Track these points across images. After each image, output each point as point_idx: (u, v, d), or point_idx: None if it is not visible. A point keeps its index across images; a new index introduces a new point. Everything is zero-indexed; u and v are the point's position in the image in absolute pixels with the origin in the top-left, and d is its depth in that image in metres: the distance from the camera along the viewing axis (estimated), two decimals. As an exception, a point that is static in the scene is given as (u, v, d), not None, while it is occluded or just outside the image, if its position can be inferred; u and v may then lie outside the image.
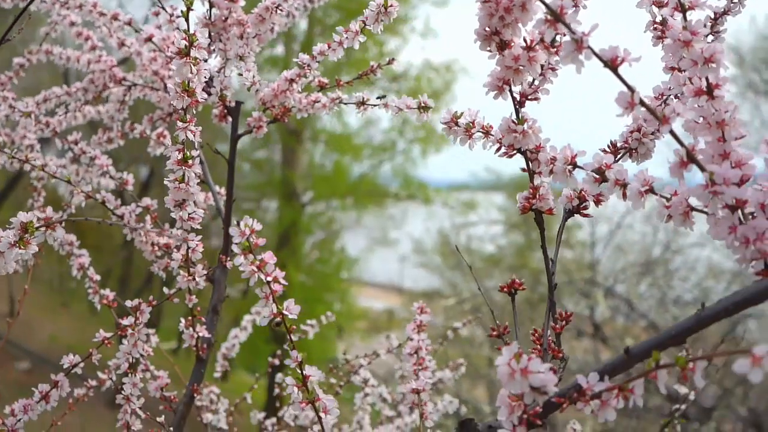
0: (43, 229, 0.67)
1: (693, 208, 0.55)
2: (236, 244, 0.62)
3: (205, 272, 0.92)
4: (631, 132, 0.69)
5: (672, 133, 0.52)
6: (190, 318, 0.97)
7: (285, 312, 0.64)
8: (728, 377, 6.30)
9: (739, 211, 0.54)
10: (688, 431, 5.79)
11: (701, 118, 0.55)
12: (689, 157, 0.52)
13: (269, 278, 0.63)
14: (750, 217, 0.53)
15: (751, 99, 9.16)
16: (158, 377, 1.02)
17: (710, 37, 0.74)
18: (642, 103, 0.51)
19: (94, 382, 1.14)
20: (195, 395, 1.00)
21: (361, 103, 0.96)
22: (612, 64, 0.51)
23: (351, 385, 1.42)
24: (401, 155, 11.83)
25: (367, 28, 0.87)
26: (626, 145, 0.69)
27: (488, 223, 9.25)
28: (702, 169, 0.52)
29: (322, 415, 0.65)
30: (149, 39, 1.04)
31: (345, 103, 0.97)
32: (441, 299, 7.89)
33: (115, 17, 1.11)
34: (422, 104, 0.85)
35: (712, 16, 0.75)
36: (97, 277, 1.11)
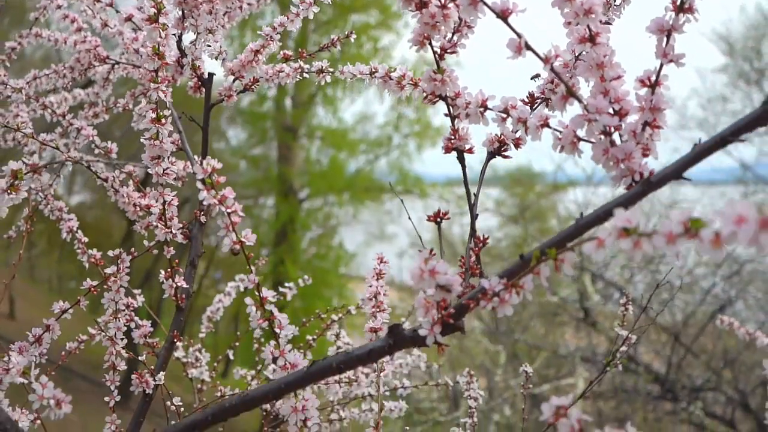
0: (30, 174, 0.76)
1: (580, 138, 0.65)
2: (199, 180, 0.71)
3: (180, 225, 1.01)
4: (547, 83, 0.79)
5: (553, 71, 0.62)
6: (169, 270, 1.07)
7: (243, 239, 0.74)
8: (715, 360, 6.42)
9: (618, 138, 0.64)
10: (677, 411, 5.91)
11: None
12: (569, 92, 0.62)
13: (229, 210, 0.73)
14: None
15: (742, 88, 9.25)
16: (142, 326, 1.12)
17: (618, 0, 0.84)
18: (528, 47, 0.61)
19: (84, 337, 1.23)
20: (175, 341, 1.10)
21: (321, 71, 1.06)
22: (503, 15, 0.61)
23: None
24: (397, 150, 11.93)
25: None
26: (542, 95, 0.79)
27: (480, 211, 9.36)
28: (579, 101, 0.61)
29: (277, 330, 0.75)
30: (129, 18, 1.14)
31: (307, 72, 1.07)
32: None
33: (97, -1, 1.20)
34: (374, 69, 0.95)
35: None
36: (85, 239, 1.20)
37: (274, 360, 0.75)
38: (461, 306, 0.64)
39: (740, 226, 0.40)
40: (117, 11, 1.20)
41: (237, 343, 1.59)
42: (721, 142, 0.56)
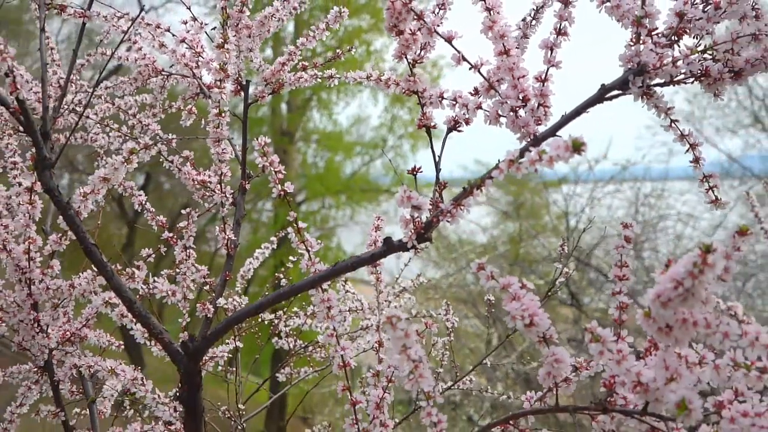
0: (143, 150, 1.15)
1: (500, 114, 1.03)
2: (256, 150, 1.10)
3: (232, 191, 1.40)
4: (482, 82, 1.17)
5: (480, 73, 1.00)
6: (222, 225, 1.45)
7: (286, 188, 1.12)
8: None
9: (523, 112, 1.02)
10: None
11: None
12: (489, 86, 1.00)
13: (276, 169, 1.11)
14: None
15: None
16: (200, 270, 1.50)
17: (533, 21, 1.22)
18: (464, 58, 0.99)
19: (166, 272, 1.61)
20: (227, 279, 1.48)
21: (331, 77, 1.44)
22: (449, 39, 0.99)
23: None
24: (392, 151, 12.32)
25: (331, 26, 1.35)
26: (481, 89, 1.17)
27: (476, 205, 9.74)
28: (496, 91, 1.00)
29: (309, 248, 1.14)
30: (183, 40, 1.52)
31: (321, 78, 1.46)
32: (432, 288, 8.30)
33: (158, 26, 1.59)
34: (369, 75, 1.33)
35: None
36: (153, 210, 1.58)
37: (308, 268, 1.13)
38: (428, 221, 1.03)
39: (559, 151, 0.78)
40: (173, 35, 1.58)
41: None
42: (576, 113, 0.95)
